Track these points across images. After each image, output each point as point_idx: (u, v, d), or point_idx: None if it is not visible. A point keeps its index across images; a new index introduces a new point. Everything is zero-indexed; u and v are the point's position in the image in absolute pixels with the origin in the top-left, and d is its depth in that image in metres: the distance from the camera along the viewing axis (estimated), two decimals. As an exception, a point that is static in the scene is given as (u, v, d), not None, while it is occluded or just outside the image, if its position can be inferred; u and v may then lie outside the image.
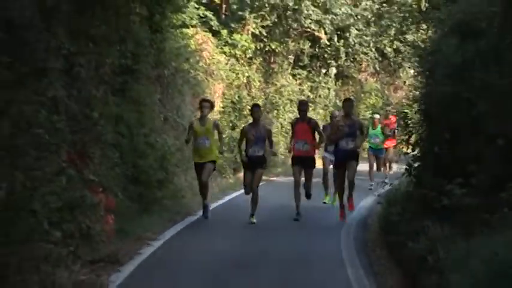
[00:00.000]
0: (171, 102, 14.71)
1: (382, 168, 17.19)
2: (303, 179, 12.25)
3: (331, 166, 13.33)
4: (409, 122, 12.18)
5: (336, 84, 27.67)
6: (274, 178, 19.49)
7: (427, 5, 10.41)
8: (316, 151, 12.60)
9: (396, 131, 17.30)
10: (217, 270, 7.84)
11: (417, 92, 9.88)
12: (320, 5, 21.48)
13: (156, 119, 13.08)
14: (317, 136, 12.15)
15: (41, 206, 6.65)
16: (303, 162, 12.09)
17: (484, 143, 6.38)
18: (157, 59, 13.35)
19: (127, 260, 8.28)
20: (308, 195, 12.45)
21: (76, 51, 8.21)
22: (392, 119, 18.00)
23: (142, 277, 7.69)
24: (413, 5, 14.52)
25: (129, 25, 11.40)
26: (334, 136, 11.90)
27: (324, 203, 13.83)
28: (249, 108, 20.00)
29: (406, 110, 14.11)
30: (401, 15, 18.39)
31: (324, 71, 26.45)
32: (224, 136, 14.60)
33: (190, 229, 10.99)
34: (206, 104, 12.00)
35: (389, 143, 17.19)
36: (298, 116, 12.51)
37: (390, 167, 17.26)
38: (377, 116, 17.61)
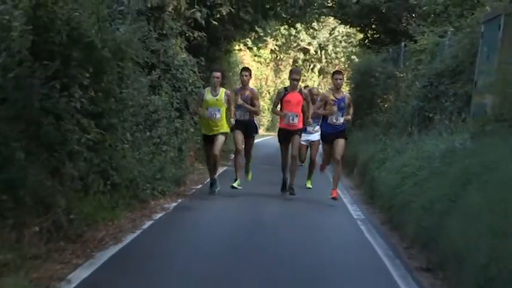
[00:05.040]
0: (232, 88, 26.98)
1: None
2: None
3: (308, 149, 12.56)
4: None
5: (318, 77, 40.15)
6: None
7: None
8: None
9: None
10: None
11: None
12: (310, 33, 34.12)
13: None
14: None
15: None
16: (289, 135, 10.47)
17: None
18: (228, 67, 25.59)
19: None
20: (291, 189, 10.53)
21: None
22: None
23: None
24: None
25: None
26: (323, 112, 10.44)
27: (309, 188, 12.05)
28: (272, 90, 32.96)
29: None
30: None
31: (311, 68, 39.02)
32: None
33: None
34: (217, 74, 10.31)
35: None
36: (290, 84, 10.66)
37: None
38: None
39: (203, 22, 13.25)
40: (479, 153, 6.85)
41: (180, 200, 10.04)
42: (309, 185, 12.15)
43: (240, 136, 10.65)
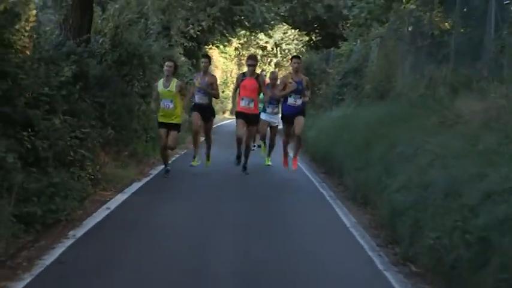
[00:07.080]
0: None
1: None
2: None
3: (269, 128, 12.70)
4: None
5: (274, 70, 45.93)
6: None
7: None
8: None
9: None
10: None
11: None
12: (267, 34, 40.04)
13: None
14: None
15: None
16: (247, 119, 10.80)
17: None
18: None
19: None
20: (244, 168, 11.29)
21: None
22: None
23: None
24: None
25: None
26: (283, 93, 10.77)
27: (268, 165, 12.79)
28: (233, 80, 39.04)
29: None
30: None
31: (268, 62, 44.92)
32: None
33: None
34: (169, 64, 10.39)
35: None
36: (246, 70, 10.81)
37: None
38: None
39: (195, 35, 19.02)
40: (353, 115, 12.87)
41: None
42: (268, 162, 12.84)
43: (197, 116, 10.95)
